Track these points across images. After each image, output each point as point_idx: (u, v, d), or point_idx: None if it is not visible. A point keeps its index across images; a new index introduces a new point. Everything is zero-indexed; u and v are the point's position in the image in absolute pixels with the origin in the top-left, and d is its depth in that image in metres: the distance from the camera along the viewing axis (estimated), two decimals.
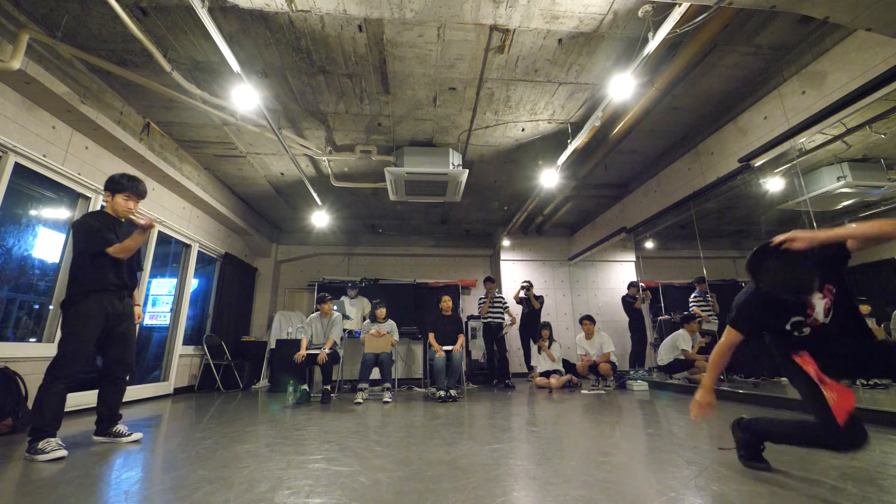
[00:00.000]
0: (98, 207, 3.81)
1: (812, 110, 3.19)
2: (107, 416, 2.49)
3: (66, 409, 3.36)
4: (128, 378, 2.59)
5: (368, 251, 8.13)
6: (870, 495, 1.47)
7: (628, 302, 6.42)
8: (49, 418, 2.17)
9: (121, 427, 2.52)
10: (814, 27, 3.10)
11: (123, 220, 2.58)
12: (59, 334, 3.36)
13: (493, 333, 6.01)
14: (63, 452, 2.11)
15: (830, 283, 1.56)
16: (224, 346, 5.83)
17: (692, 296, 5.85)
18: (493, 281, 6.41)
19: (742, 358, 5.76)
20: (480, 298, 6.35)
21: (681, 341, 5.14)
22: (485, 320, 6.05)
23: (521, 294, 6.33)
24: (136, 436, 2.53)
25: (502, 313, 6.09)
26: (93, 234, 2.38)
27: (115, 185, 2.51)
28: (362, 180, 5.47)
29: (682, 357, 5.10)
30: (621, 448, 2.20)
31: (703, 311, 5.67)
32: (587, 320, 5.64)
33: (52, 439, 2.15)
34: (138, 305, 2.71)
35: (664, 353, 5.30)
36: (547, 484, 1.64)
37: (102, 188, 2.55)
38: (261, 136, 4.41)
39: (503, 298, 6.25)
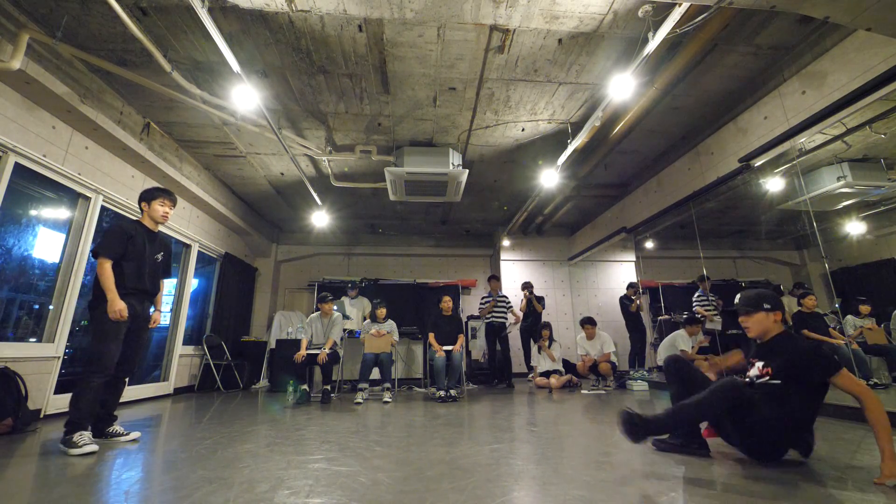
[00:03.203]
0: (98, 208, 3.83)
1: (812, 110, 3.19)
2: (104, 417, 2.52)
3: (64, 409, 3.38)
4: (127, 380, 2.65)
5: (368, 251, 8.13)
6: (870, 495, 1.47)
7: (625, 304, 6.41)
8: (84, 413, 2.29)
9: (117, 427, 2.55)
10: (814, 27, 3.10)
11: (159, 228, 2.77)
12: (60, 334, 3.38)
13: (497, 332, 5.98)
14: (94, 447, 2.21)
15: (770, 369, 1.89)
16: (224, 346, 5.83)
17: (696, 295, 5.85)
18: (497, 279, 6.34)
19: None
20: (483, 298, 6.29)
21: (679, 341, 5.14)
22: (487, 320, 6.02)
23: (525, 298, 6.27)
24: (135, 434, 2.55)
25: (506, 312, 6.07)
26: (108, 238, 2.50)
27: (149, 193, 2.72)
28: (362, 180, 5.47)
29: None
30: (621, 448, 2.20)
31: (706, 310, 5.67)
32: (588, 324, 5.61)
33: (86, 433, 2.26)
34: (159, 311, 2.84)
35: (663, 353, 5.30)
36: (547, 484, 1.64)
37: (138, 202, 2.74)
38: (261, 136, 4.41)
39: (507, 298, 6.22)
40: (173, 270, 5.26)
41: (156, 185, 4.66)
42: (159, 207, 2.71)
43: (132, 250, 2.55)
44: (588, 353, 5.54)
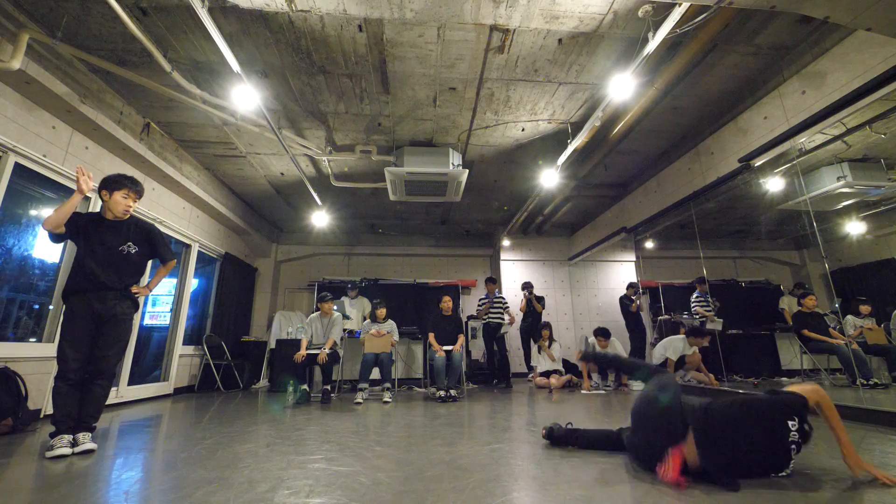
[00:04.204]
0: (98, 209, 3.81)
1: (812, 110, 3.19)
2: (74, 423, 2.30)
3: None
4: (103, 385, 2.38)
5: (368, 251, 8.13)
6: (870, 495, 1.47)
7: (625, 304, 6.42)
8: (58, 416, 2.22)
9: (81, 436, 2.26)
10: (814, 27, 3.10)
11: (125, 218, 2.51)
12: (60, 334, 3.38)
13: (492, 333, 6.02)
14: (63, 451, 2.14)
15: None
16: (224, 346, 5.82)
17: (693, 296, 5.85)
18: (494, 282, 6.44)
19: (742, 358, 5.76)
20: (481, 299, 6.35)
21: (670, 350, 5.07)
22: (485, 321, 6.07)
23: (525, 298, 6.31)
24: (89, 446, 2.24)
25: (502, 313, 6.10)
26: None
27: (113, 182, 2.45)
28: (362, 180, 5.47)
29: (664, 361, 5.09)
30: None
31: (705, 310, 5.67)
32: (601, 336, 5.54)
33: (65, 436, 2.20)
34: (147, 288, 2.65)
35: (658, 354, 5.31)
36: (547, 484, 1.64)
37: (97, 189, 2.49)
38: (261, 136, 4.41)
39: (503, 298, 6.27)
40: (173, 271, 5.29)
41: (156, 184, 4.68)
42: (121, 200, 2.43)
43: (83, 244, 2.35)
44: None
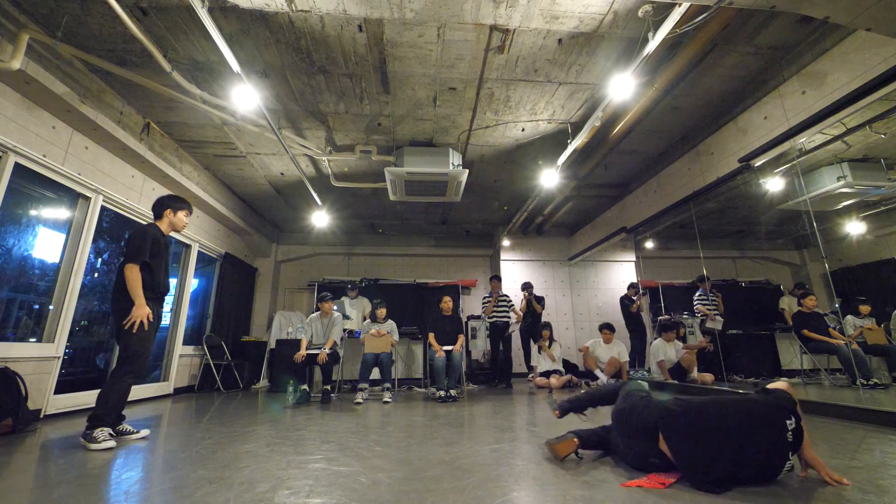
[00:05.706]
0: (98, 208, 3.82)
1: (812, 110, 3.18)
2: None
3: (64, 409, 3.40)
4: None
5: (368, 251, 8.13)
6: (870, 495, 1.47)
7: (625, 304, 6.42)
8: (111, 408, 2.40)
9: (126, 425, 2.59)
10: (814, 27, 3.10)
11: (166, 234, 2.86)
12: (60, 334, 3.38)
13: (500, 332, 5.98)
14: (113, 443, 2.27)
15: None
16: (224, 346, 5.82)
17: (696, 294, 5.85)
18: (498, 279, 6.35)
19: (743, 358, 5.77)
20: (485, 298, 6.30)
21: (657, 354, 5.11)
22: (490, 319, 6.01)
23: (524, 299, 6.30)
24: (144, 433, 2.62)
25: (508, 311, 6.07)
26: (138, 243, 2.56)
27: (178, 202, 2.85)
28: (362, 180, 5.47)
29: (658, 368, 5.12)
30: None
31: (707, 309, 5.67)
32: (607, 330, 5.67)
33: (107, 429, 2.35)
34: None
35: (651, 362, 5.35)
36: (547, 484, 1.64)
37: (155, 208, 2.82)
38: (261, 136, 4.41)
39: (508, 297, 6.22)
40: (173, 270, 5.31)
41: (156, 184, 4.68)
42: (185, 218, 2.87)
43: (157, 255, 2.63)
44: (599, 358, 5.56)
